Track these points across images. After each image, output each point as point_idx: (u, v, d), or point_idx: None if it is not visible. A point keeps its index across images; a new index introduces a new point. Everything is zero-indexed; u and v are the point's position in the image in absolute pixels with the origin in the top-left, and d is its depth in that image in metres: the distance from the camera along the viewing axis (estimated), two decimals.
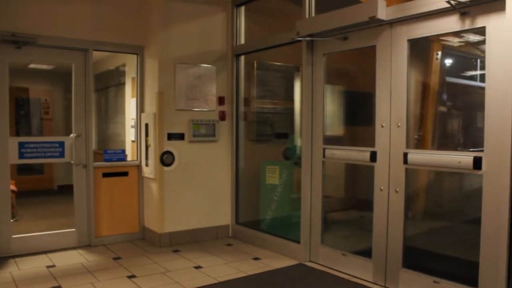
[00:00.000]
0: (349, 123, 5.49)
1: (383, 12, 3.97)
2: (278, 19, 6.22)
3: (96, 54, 5.68)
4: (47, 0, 5.28)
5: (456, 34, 3.92)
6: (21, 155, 5.28)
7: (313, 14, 4.96)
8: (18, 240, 5.30)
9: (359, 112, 5.41)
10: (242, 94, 6.15)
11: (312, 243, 4.99)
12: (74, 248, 5.57)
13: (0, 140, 5.13)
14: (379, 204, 4.24)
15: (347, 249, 4.70)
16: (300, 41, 4.92)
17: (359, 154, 4.42)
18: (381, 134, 4.21)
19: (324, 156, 4.81)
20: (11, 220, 5.37)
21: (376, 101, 4.27)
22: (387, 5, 4.00)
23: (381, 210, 4.23)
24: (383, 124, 4.18)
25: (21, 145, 5.27)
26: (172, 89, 5.66)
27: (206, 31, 5.93)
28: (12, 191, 5.40)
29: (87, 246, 5.65)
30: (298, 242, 5.11)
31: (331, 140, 4.91)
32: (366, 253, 4.43)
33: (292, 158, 6.00)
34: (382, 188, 4.20)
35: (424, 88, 4.53)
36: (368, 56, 4.72)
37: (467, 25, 3.54)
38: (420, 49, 4.26)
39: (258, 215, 6.05)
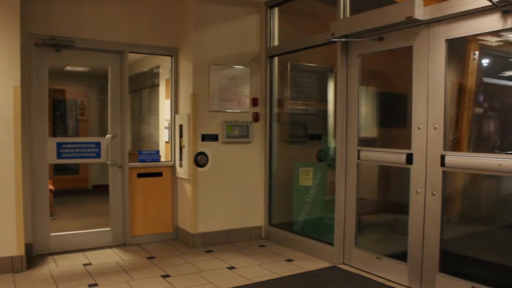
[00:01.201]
0: (383, 124, 5.42)
1: (420, 12, 3.91)
2: (311, 20, 6.20)
3: (130, 57, 5.77)
4: (85, 4, 5.40)
5: (495, 33, 3.82)
6: (59, 155, 5.40)
7: (348, 15, 4.92)
8: (56, 238, 5.43)
9: (393, 114, 5.34)
10: (275, 96, 6.15)
11: (346, 246, 4.94)
12: (109, 247, 5.66)
13: (39, 140, 5.26)
14: (415, 207, 4.17)
15: (381, 252, 4.63)
16: (334, 42, 4.88)
17: (395, 156, 4.35)
18: (418, 136, 4.14)
19: (359, 158, 4.76)
20: (50, 219, 5.50)
21: (412, 102, 4.19)
22: (425, 5, 3.94)
23: (417, 213, 4.16)
24: (420, 126, 4.11)
25: (59, 145, 5.39)
26: (206, 90, 5.70)
27: (239, 33, 5.95)
28: (50, 190, 5.52)
29: (122, 245, 5.74)
30: (331, 244, 5.07)
31: (365, 142, 4.86)
32: (401, 256, 4.35)
33: (325, 159, 5.96)
34: (418, 190, 4.13)
35: (460, 89, 4.44)
36: (402, 56, 4.66)
37: (510, 24, 3.45)
38: (457, 49, 4.17)
39: (291, 217, 6.03)
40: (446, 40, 3.89)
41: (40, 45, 5.22)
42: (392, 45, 4.41)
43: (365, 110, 5.26)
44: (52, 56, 5.35)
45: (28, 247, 4.95)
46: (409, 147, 4.23)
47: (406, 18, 3.96)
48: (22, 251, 4.67)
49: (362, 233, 5.02)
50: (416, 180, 4.16)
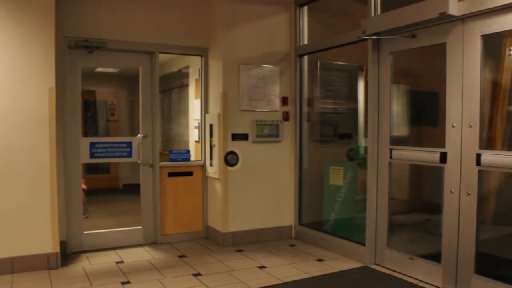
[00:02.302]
0: (414, 123, 5.33)
1: (454, 8, 3.83)
2: (341, 18, 6.15)
3: (160, 57, 5.81)
4: (117, 6, 5.48)
5: None
6: (92, 155, 5.48)
7: (378, 12, 4.86)
8: (89, 236, 5.52)
9: (424, 112, 5.25)
10: (305, 95, 6.12)
11: (378, 246, 4.88)
12: (140, 245, 5.73)
13: (73, 140, 5.36)
14: (450, 207, 4.09)
15: (413, 253, 4.56)
16: (365, 40, 4.83)
17: (428, 155, 4.28)
18: (452, 135, 4.06)
19: (391, 157, 4.69)
20: (82, 217, 5.60)
21: (446, 100, 4.11)
22: (459, 0, 3.86)
23: (451, 213, 4.07)
24: (454, 124, 4.03)
25: (92, 145, 5.48)
26: (236, 90, 5.72)
27: (269, 32, 5.94)
28: (83, 189, 5.62)
29: (152, 243, 5.80)
30: (363, 244, 5.02)
31: (396, 141, 4.79)
32: (434, 257, 4.27)
33: (356, 159, 5.90)
34: (452, 190, 4.05)
35: (495, 85, 4.33)
36: (435, 53, 4.58)
37: None
38: (491, 45, 4.06)
39: (321, 216, 6.00)
40: (481, 35, 3.80)
41: (73, 47, 5.31)
42: (424, 42, 4.33)
43: (396, 108, 5.18)
44: (84, 58, 5.44)
45: (63, 244, 5.05)
46: (442, 145, 4.15)
47: (439, 14, 3.88)
48: (57, 249, 4.76)
49: (393, 233, 4.95)
50: (451, 180, 4.07)
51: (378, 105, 4.85)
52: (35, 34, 4.65)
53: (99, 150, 5.51)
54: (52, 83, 4.73)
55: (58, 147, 4.88)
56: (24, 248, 4.64)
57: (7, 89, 4.56)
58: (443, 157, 4.12)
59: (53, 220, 4.73)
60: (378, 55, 4.84)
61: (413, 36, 4.40)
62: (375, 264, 4.90)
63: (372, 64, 4.87)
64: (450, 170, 4.08)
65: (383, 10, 4.82)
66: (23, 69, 4.62)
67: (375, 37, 4.70)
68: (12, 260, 4.59)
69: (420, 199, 5.72)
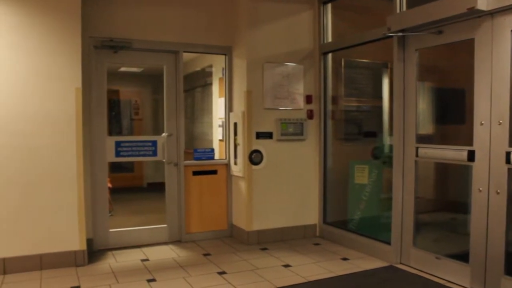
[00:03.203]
0: (439, 121, 5.25)
1: (483, 2, 3.75)
2: (365, 15, 6.09)
3: (183, 56, 5.84)
4: (141, 6, 5.52)
5: None
6: (117, 154, 5.54)
7: (404, 8, 4.80)
8: (115, 234, 5.59)
9: (450, 110, 5.17)
10: (329, 93, 6.08)
11: (404, 245, 4.83)
12: (165, 243, 5.77)
13: (99, 139, 5.42)
14: (478, 206, 4.02)
15: (439, 252, 4.49)
16: (391, 37, 4.77)
17: (455, 153, 4.21)
18: (480, 132, 3.98)
19: (417, 156, 4.63)
20: (108, 215, 5.67)
21: (474, 97, 4.04)
22: None
23: (479, 213, 4.00)
24: (482, 122, 3.95)
25: (117, 144, 5.53)
26: (260, 88, 5.71)
27: (293, 30, 5.92)
28: (108, 187, 5.69)
29: (177, 241, 5.83)
30: (388, 243, 4.97)
31: (422, 139, 4.73)
32: (462, 257, 4.20)
33: (381, 157, 5.85)
34: (481, 189, 3.98)
35: None
36: (462, 49, 4.50)
37: None
38: None
39: (346, 215, 5.96)
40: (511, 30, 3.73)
41: (99, 47, 5.37)
42: (452, 38, 4.26)
43: (421, 106, 5.11)
44: (110, 57, 5.50)
45: (89, 242, 5.12)
46: (470, 143, 4.07)
47: (467, 9, 3.81)
48: (84, 246, 4.83)
49: (419, 232, 4.89)
50: (479, 178, 4.00)
51: (404, 102, 4.79)
52: (62, 35, 4.73)
53: (124, 149, 5.57)
54: (78, 83, 4.80)
55: (84, 146, 4.94)
56: (52, 245, 4.72)
57: (35, 90, 4.64)
58: (471, 155, 4.05)
59: (80, 218, 4.81)
60: (404, 52, 4.78)
61: (440, 32, 4.33)
62: (401, 263, 4.85)
63: (397, 61, 4.82)
64: (478, 169, 4.00)
65: (408, 7, 4.76)
66: (51, 69, 4.69)
67: (400, 34, 4.65)
68: (41, 257, 4.67)
69: (446, 198, 5.64)
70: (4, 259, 4.54)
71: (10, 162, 4.58)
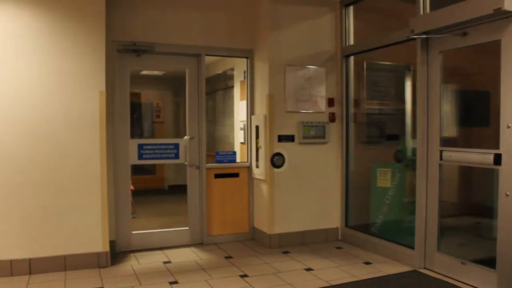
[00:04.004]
0: (463, 124, 5.18)
1: (510, 3, 3.67)
2: (387, 18, 6.04)
3: (205, 59, 5.87)
4: (164, 10, 5.56)
5: None
6: (140, 156, 5.58)
7: (427, 10, 4.74)
8: (137, 236, 5.63)
9: (474, 112, 5.09)
10: (351, 95, 6.05)
11: (427, 250, 4.76)
12: (187, 245, 5.79)
13: (122, 142, 5.47)
14: (505, 211, 3.94)
15: (464, 257, 4.42)
16: (414, 39, 4.73)
17: (481, 157, 4.13)
18: (507, 135, 3.91)
19: (441, 159, 4.57)
20: (130, 217, 5.71)
21: (500, 99, 3.96)
22: None
23: (507, 217, 3.92)
24: (509, 125, 3.88)
25: (140, 146, 5.58)
26: (282, 91, 5.71)
27: (314, 33, 5.91)
28: (131, 190, 5.73)
29: (199, 244, 5.85)
30: (412, 247, 4.90)
31: (446, 142, 4.66)
32: (488, 262, 4.12)
33: (403, 160, 5.78)
34: (508, 193, 3.90)
35: None
36: (487, 51, 4.43)
37: None
38: None
39: (368, 219, 5.91)
40: None
41: (122, 51, 5.43)
42: (477, 40, 4.20)
43: (445, 108, 5.05)
44: (133, 61, 5.56)
45: (112, 244, 5.15)
46: (496, 146, 4.00)
47: (494, 10, 3.74)
48: (107, 248, 4.88)
49: (443, 237, 4.82)
50: (506, 182, 3.92)
51: (428, 105, 4.74)
52: (87, 40, 4.79)
53: (147, 151, 5.61)
54: (102, 86, 4.86)
55: (107, 148, 4.99)
56: (76, 246, 4.78)
57: (60, 93, 4.72)
58: (497, 159, 3.97)
59: (103, 220, 4.86)
60: (427, 55, 4.73)
61: (465, 34, 4.27)
62: (425, 268, 4.78)
63: (421, 64, 4.76)
64: (505, 172, 3.93)
65: (432, 9, 4.70)
66: (75, 73, 4.76)
67: (424, 36, 4.60)
68: (65, 258, 4.73)
69: (470, 202, 5.56)
70: (30, 260, 4.62)
71: (37, 165, 4.66)
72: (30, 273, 4.61)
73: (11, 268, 4.57)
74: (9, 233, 4.59)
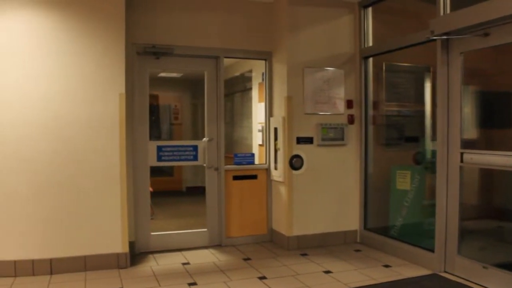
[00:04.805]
0: (486, 125, 5.11)
1: None
2: (407, 19, 6.00)
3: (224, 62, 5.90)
4: (183, 13, 5.60)
5: None
6: (159, 158, 5.62)
7: (448, 11, 4.70)
8: (156, 237, 5.66)
9: (498, 114, 5.02)
10: (370, 97, 6.01)
11: (448, 253, 4.71)
12: (205, 247, 5.80)
13: (141, 144, 5.51)
14: None
15: (486, 261, 4.36)
16: (434, 40, 4.68)
17: (505, 159, 4.07)
18: None
19: (462, 161, 4.52)
20: (149, 218, 5.74)
21: None
22: None
23: None
24: None
25: (159, 148, 5.61)
26: (301, 93, 5.70)
27: (333, 34, 5.89)
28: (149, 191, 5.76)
29: (217, 245, 5.86)
30: (431, 250, 4.85)
31: (467, 144, 4.61)
32: (510, 267, 4.07)
33: (423, 162, 5.73)
34: None
35: None
36: (508, 51, 4.37)
37: None
38: None
39: (387, 221, 5.86)
40: None
41: (142, 53, 5.47)
42: (499, 40, 4.14)
43: (466, 110, 4.99)
44: (152, 63, 5.59)
45: (131, 245, 5.18)
46: None
47: None
48: (126, 249, 4.92)
49: (463, 240, 4.76)
50: None
51: (448, 107, 4.69)
52: (107, 42, 4.84)
53: (166, 153, 5.64)
54: (122, 89, 4.90)
55: (127, 150, 5.02)
56: (96, 247, 4.83)
57: (81, 96, 4.78)
58: None
59: (123, 221, 4.90)
60: (448, 56, 4.68)
61: (486, 34, 4.22)
62: (445, 271, 4.73)
63: (441, 65, 4.72)
64: None
65: (452, 9, 4.66)
66: (95, 76, 4.82)
67: (444, 37, 4.55)
68: (85, 258, 4.78)
69: (492, 205, 5.48)
70: (51, 260, 4.67)
71: (59, 167, 4.72)
72: (51, 273, 4.67)
73: (33, 268, 4.63)
74: (32, 234, 4.66)
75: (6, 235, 4.61)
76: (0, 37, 4.57)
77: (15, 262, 4.60)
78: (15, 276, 4.58)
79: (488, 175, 4.97)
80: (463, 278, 4.50)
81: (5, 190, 4.60)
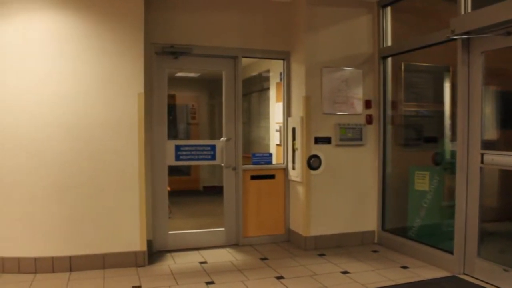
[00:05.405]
0: (505, 126, 5.04)
1: None
2: (426, 18, 5.94)
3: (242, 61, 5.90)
4: (201, 13, 5.62)
5: None
6: (177, 157, 5.65)
7: (469, 10, 4.64)
8: (174, 236, 5.69)
9: None
10: (389, 97, 5.97)
11: (467, 255, 4.65)
12: (222, 246, 5.82)
13: (159, 143, 5.55)
14: None
15: (507, 264, 4.29)
16: (454, 39, 4.63)
17: None
18: None
19: (482, 162, 4.46)
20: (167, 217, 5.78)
21: None
22: None
23: None
24: None
25: (177, 148, 5.64)
26: (319, 93, 5.68)
27: (351, 34, 5.87)
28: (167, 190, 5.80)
29: (234, 245, 5.88)
30: (451, 252, 4.80)
31: (487, 145, 4.55)
32: None
33: (442, 163, 5.68)
34: None
35: None
36: None
37: None
38: None
39: (405, 222, 5.81)
40: None
41: (160, 53, 5.51)
42: None
43: (486, 110, 4.92)
44: (170, 63, 5.63)
45: (149, 243, 5.23)
46: None
47: None
48: (144, 247, 4.96)
49: (483, 242, 4.70)
50: None
51: (468, 107, 4.63)
52: (126, 42, 4.88)
53: (184, 153, 5.66)
54: (141, 89, 4.94)
55: (145, 150, 5.06)
56: (114, 245, 4.87)
57: (100, 96, 4.82)
58: None
59: (141, 220, 4.93)
60: (468, 55, 4.63)
61: (509, 33, 4.16)
62: (464, 274, 4.67)
63: (461, 65, 4.67)
64: None
65: (473, 8, 4.60)
66: (114, 76, 4.86)
67: (465, 36, 4.50)
68: (104, 256, 4.83)
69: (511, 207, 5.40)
70: (70, 257, 4.73)
71: (79, 167, 4.78)
72: (70, 270, 4.72)
73: (53, 265, 4.69)
74: (52, 232, 4.73)
75: (29, 233, 4.69)
76: (21, 39, 4.64)
77: (35, 259, 4.67)
78: (36, 272, 4.65)
79: (509, 177, 4.90)
80: (482, 281, 4.44)
81: (29, 190, 4.68)
